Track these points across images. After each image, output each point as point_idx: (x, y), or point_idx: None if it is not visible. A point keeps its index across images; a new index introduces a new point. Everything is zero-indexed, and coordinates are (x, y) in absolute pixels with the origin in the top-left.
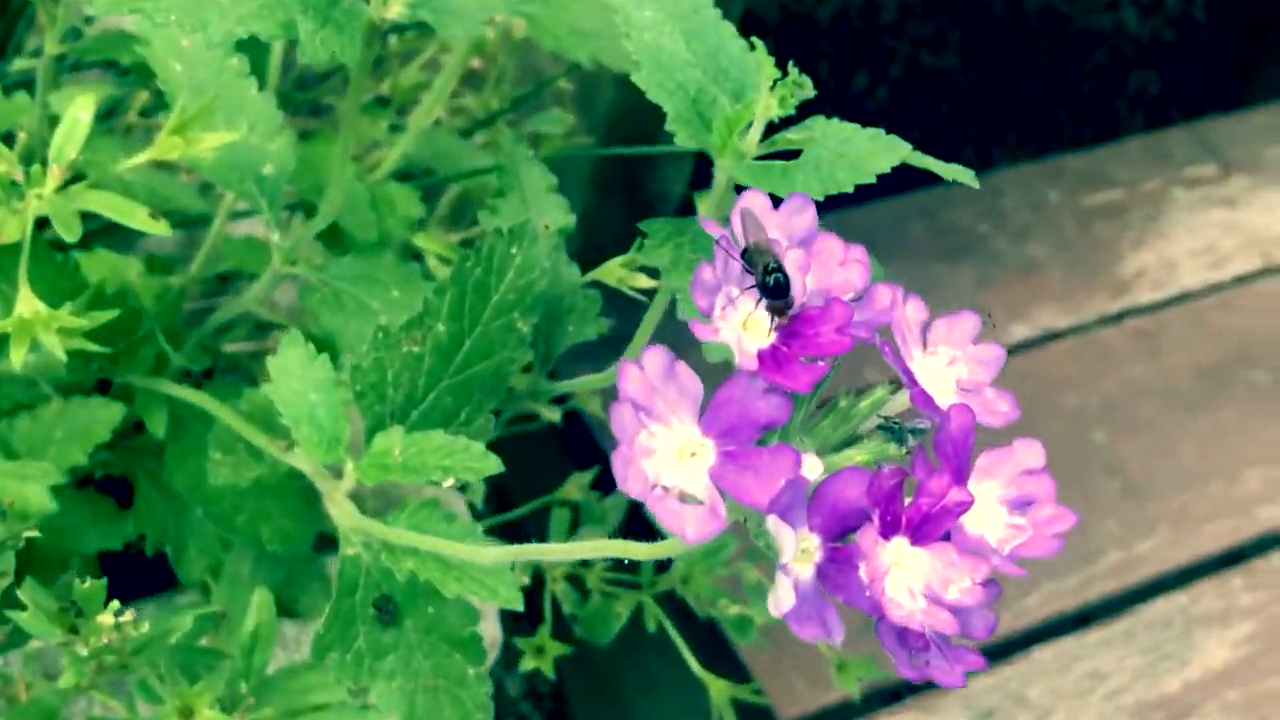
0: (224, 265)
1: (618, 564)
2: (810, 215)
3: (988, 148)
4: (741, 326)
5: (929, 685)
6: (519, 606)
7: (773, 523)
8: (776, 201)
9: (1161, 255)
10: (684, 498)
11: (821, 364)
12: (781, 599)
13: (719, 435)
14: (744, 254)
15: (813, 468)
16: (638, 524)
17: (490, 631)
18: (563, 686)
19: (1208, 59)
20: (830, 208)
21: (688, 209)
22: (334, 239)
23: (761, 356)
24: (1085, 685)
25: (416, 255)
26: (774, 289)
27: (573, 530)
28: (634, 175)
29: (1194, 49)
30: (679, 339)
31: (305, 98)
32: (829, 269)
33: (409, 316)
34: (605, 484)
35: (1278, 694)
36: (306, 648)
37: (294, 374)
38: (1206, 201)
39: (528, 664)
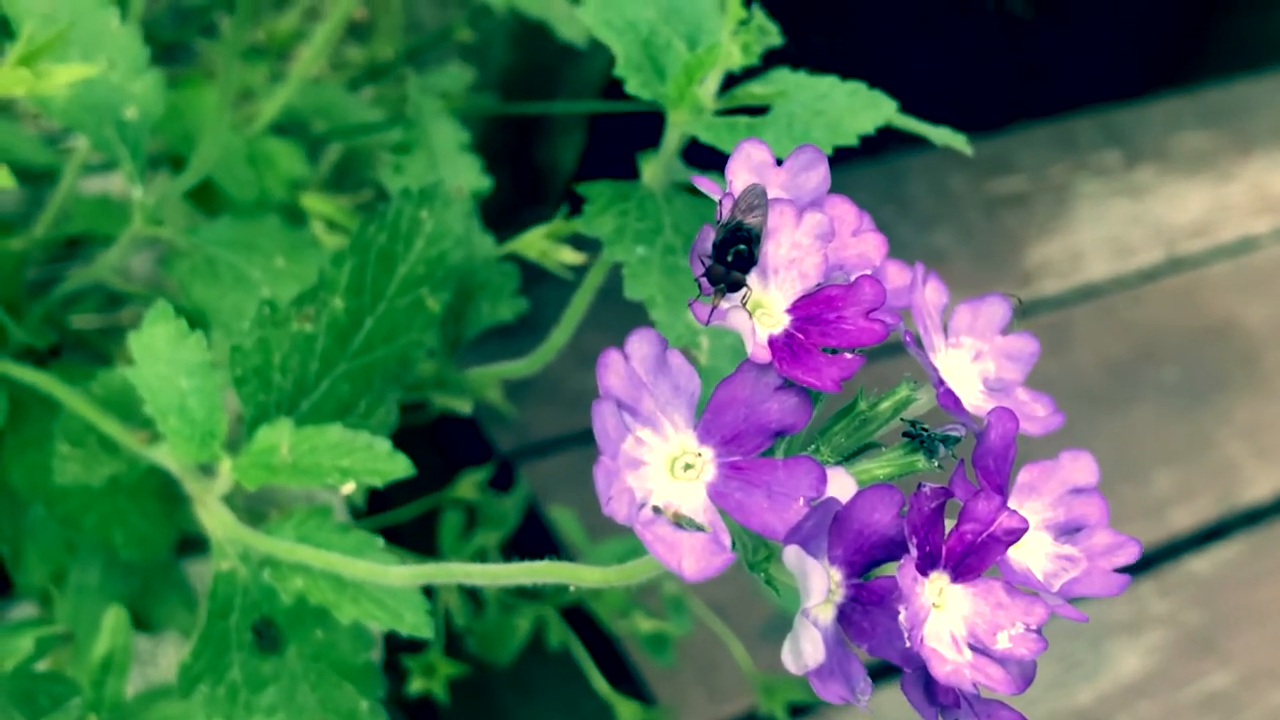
0: (73, 227)
1: None
2: (823, 172)
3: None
4: (746, 307)
5: None
6: (429, 634)
7: (794, 556)
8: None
9: (1067, 246)
10: (679, 522)
11: (849, 356)
12: (807, 653)
13: (720, 443)
14: (726, 225)
15: (843, 486)
16: (536, 529)
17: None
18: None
19: (1114, 44)
20: None
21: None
22: (206, 198)
23: (774, 345)
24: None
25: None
26: (735, 260)
27: (466, 534)
28: (524, 144)
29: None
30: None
31: (172, 37)
32: (841, 240)
33: (300, 290)
34: (500, 482)
35: (1190, 705)
36: (163, 663)
37: (161, 354)
38: (1112, 191)
39: (416, 686)
